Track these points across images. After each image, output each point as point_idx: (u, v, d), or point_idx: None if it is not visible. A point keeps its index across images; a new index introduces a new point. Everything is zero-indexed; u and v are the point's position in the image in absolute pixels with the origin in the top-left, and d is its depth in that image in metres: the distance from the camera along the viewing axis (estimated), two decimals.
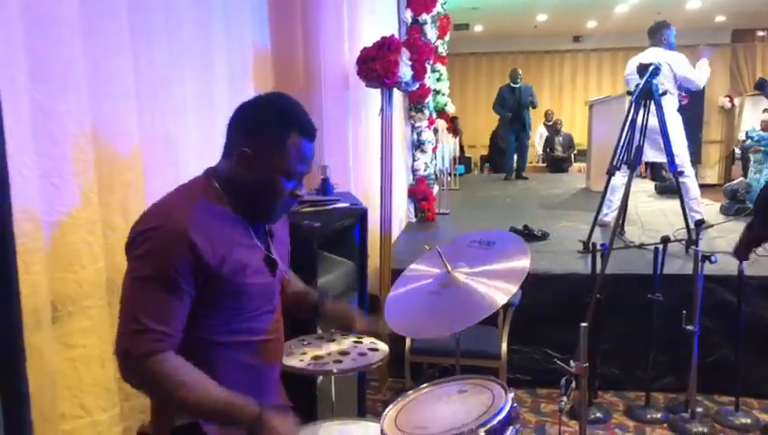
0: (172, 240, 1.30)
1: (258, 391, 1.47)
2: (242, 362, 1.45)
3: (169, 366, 1.30)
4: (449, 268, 1.79)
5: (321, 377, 2.22)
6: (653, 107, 4.23)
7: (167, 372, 1.29)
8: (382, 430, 1.57)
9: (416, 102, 5.86)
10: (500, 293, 1.65)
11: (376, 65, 3.43)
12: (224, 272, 1.36)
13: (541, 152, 12.33)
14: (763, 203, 2.84)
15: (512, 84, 9.51)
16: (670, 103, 4.87)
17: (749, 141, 7.22)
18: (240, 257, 1.40)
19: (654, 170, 8.12)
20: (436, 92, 7.26)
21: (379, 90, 3.67)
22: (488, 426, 1.44)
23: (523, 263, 1.73)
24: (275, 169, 1.40)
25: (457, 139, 8.91)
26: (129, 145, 1.91)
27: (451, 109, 8.00)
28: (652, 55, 4.96)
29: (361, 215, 2.95)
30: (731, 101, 13.11)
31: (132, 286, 1.33)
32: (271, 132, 1.39)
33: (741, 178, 6.80)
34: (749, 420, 3.39)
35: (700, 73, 5.09)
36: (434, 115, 6.88)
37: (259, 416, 1.35)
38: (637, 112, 4.21)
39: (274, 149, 1.39)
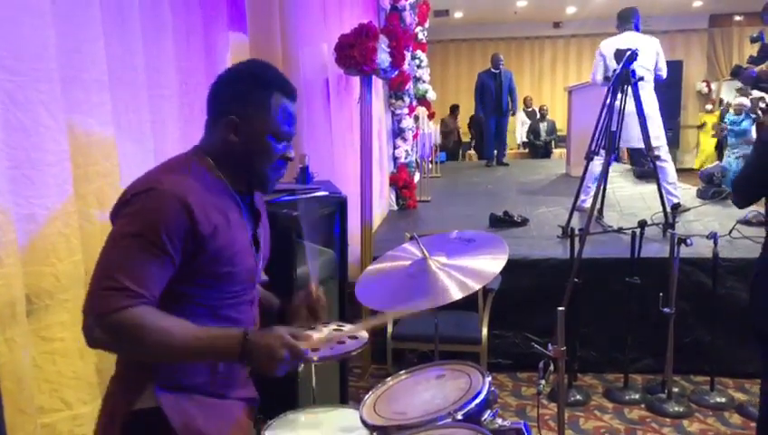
0: (167, 200, 1.26)
1: (227, 383, 1.45)
2: None
3: (143, 316, 1.23)
4: (427, 254, 1.81)
5: (302, 365, 2.22)
6: (631, 93, 4.28)
7: (140, 322, 1.23)
8: (361, 418, 1.59)
9: (396, 90, 5.86)
10: (459, 288, 1.68)
11: (354, 52, 3.42)
12: (214, 244, 1.31)
13: (525, 139, 12.36)
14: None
15: (492, 69, 9.47)
16: (648, 88, 4.92)
17: (723, 125, 7.32)
18: (230, 232, 1.37)
19: (633, 155, 8.20)
20: (417, 79, 7.26)
21: (358, 77, 3.66)
22: (466, 410, 1.46)
23: (494, 266, 1.75)
24: (263, 131, 1.40)
25: (438, 126, 8.91)
26: (104, 134, 1.89)
27: (432, 96, 8.00)
28: (632, 40, 4.97)
29: (341, 203, 2.95)
30: (708, 85, 13.25)
31: (114, 243, 1.26)
32: (253, 95, 1.39)
33: (716, 162, 6.90)
34: (724, 399, 3.46)
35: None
36: (414, 102, 6.89)
37: (244, 337, 1.29)
38: (614, 97, 4.25)
39: (259, 111, 1.39)
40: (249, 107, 1.39)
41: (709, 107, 11.89)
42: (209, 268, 1.34)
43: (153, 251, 1.25)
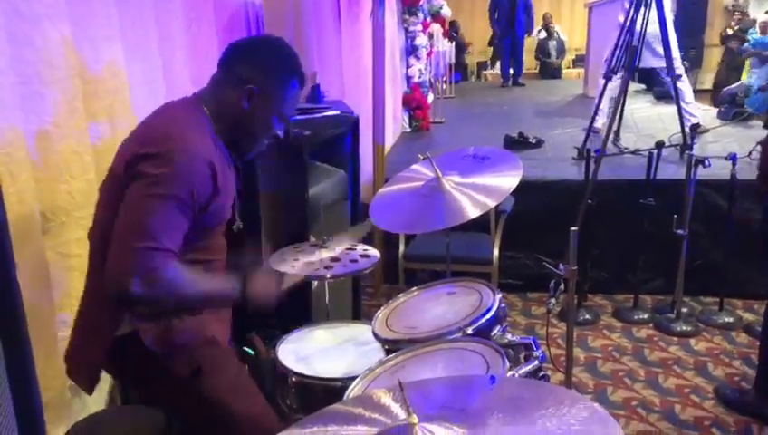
0: (199, 163, 1.35)
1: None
2: None
3: (178, 273, 1.35)
4: (440, 174, 1.80)
5: (315, 283, 2.26)
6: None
7: (178, 278, 1.34)
8: (374, 331, 1.62)
9: (409, 5, 5.67)
10: (474, 206, 1.67)
11: None
12: (216, 202, 1.43)
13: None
14: None
15: None
16: (669, 2, 4.71)
17: (746, 45, 7.04)
18: (227, 189, 1.48)
19: (651, 76, 7.94)
20: None
21: None
22: (476, 325, 1.49)
23: (508, 183, 1.74)
24: (273, 110, 1.51)
25: (453, 44, 8.65)
26: (111, 51, 1.85)
27: (447, 12, 7.74)
28: None
29: (353, 123, 2.91)
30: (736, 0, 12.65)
31: (151, 203, 1.32)
32: (278, 74, 1.50)
33: (741, 82, 6.69)
34: (732, 319, 3.50)
35: None
36: (428, 19, 6.67)
37: (243, 283, 1.47)
38: (636, 13, 4.08)
39: (279, 90, 1.50)
40: (271, 83, 1.48)
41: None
42: (206, 218, 1.43)
43: (186, 211, 1.36)
